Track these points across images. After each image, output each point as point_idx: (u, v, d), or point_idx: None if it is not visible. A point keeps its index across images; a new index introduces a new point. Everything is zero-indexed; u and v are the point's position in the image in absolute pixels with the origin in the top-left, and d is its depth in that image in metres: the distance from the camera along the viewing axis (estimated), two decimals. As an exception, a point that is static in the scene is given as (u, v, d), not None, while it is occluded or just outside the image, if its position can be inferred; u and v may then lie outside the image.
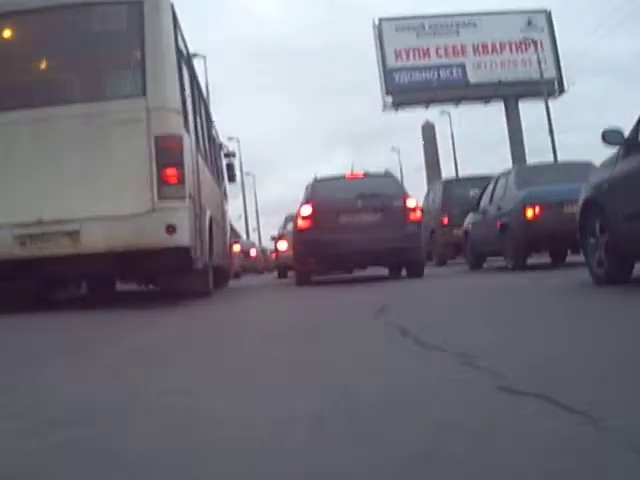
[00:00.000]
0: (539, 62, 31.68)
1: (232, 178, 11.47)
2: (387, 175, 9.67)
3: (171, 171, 5.28)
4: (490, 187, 10.31)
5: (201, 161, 6.79)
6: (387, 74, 34.85)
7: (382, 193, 8.73)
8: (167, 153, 5.28)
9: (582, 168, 7.98)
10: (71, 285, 7.80)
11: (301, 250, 8.79)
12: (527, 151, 33.91)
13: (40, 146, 5.27)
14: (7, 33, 5.72)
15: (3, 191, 5.21)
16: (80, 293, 7.98)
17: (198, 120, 7.15)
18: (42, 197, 5.00)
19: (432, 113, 36.44)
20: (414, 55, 35.52)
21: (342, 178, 9.50)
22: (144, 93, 5.38)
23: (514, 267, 8.85)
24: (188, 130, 5.92)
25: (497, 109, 35.40)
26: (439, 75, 35.22)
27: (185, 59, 6.49)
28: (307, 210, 8.69)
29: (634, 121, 4.50)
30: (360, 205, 8.56)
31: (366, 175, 9.60)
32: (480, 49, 35.64)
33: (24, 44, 5.72)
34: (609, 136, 4.55)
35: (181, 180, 5.32)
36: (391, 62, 35.24)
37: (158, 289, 7.87)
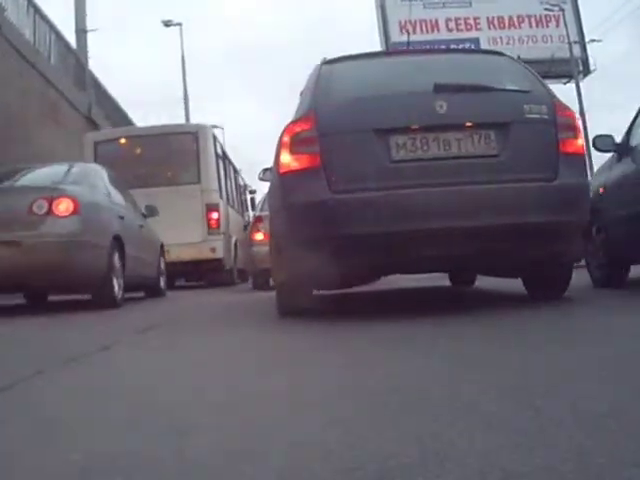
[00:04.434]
0: (567, 36, 28.07)
1: (254, 207, 16.52)
2: (498, 53, 4.61)
3: (213, 221, 10.90)
4: None
5: (230, 210, 12.58)
6: (390, 49, 30.78)
7: (496, 87, 3.83)
8: (211, 212, 10.89)
9: None
10: None
11: (287, 229, 3.81)
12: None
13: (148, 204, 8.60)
14: (130, 147, 11.22)
15: None
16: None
17: (229, 185, 13.08)
18: None
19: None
20: (421, 28, 32.24)
21: (391, 55, 4.79)
22: (199, 181, 10.93)
23: None
24: (222, 197, 11.60)
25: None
26: (450, 51, 31.37)
27: (221, 156, 12.27)
28: (303, 129, 3.68)
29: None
30: (443, 112, 3.55)
31: (451, 51, 4.81)
32: (496, 22, 32.57)
33: (139, 153, 11.24)
34: (600, 142, 5.00)
35: (218, 225, 10.96)
36: (395, 36, 31.94)
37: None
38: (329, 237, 3.47)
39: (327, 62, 4.18)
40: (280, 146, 3.76)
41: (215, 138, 11.87)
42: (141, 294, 7.96)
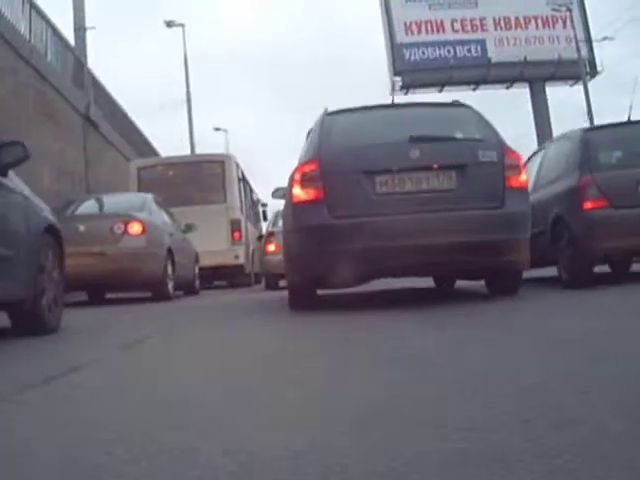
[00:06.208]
0: (575, 36, 27.82)
1: (265, 219, 18.69)
2: (462, 105, 5.68)
3: (236, 233, 13.41)
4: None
5: (249, 224, 15.25)
6: (396, 50, 31.41)
7: (457, 137, 5.19)
8: (234, 226, 13.40)
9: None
10: None
11: (298, 244, 5.01)
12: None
13: (187, 222, 10.94)
14: (167, 172, 14.03)
15: None
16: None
17: (247, 203, 15.71)
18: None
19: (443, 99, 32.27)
20: (426, 29, 32.40)
21: (377, 109, 5.73)
22: (225, 201, 13.38)
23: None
24: (243, 213, 14.26)
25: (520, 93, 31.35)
26: (455, 52, 31.88)
27: (241, 179, 14.83)
28: (310, 169, 4.90)
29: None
30: (416, 157, 4.74)
31: (424, 105, 6.19)
32: (502, 23, 32.46)
33: (175, 177, 13.81)
34: None
35: (240, 237, 13.50)
36: (400, 37, 32.19)
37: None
38: (330, 251, 4.68)
39: (329, 114, 5.43)
40: (292, 181, 4.97)
41: (237, 165, 14.48)
42: (181, 292, 10.34)
